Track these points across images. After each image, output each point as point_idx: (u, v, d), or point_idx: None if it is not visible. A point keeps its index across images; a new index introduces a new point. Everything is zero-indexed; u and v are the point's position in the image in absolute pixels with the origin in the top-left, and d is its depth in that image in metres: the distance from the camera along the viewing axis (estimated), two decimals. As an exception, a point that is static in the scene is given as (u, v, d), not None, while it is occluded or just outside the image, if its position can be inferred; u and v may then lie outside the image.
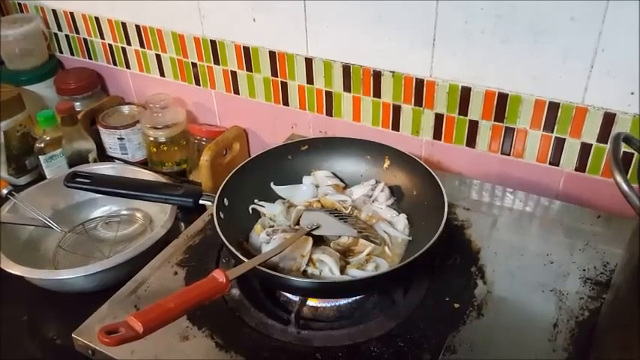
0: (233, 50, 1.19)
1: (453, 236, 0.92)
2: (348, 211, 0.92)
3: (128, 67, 1.38)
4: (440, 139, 1.07)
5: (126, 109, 1.36)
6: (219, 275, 0.68)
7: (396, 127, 1.10)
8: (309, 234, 0.85)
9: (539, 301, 0.81)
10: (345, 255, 0.85)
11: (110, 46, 1.37)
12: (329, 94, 1.14)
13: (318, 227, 0.86)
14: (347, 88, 1.11)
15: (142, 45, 1.31)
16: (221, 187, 0.90)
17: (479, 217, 0.96)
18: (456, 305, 0.81)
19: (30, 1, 1.43)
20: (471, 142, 1.04)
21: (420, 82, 1.02)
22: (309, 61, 1.11)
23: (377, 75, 1.06)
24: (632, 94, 0.87)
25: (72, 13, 1.38)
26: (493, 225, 0.95)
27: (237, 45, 1.18)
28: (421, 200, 0.92)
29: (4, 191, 1.08)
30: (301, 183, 0.99)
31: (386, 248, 0.87)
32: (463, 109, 1.01)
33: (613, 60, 0.86)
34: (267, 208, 0.94)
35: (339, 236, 0.87)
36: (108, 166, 1.18)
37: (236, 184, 0.92)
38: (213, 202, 0.87)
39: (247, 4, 1.11)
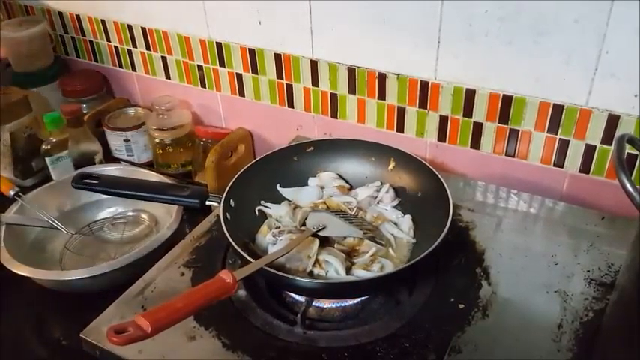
0: (238, 52, 1.19)
1: (458, 237, 0.93)
2: (353, 213, 0.93)
3: (134, 69, 1.39)
4: (444, 141, 1.08)
5: (132, 111, 1.37)
6: (226, 276, 0.68)
7: (400, 128, 1.10)
8: (315, 235, 0.85)
9: (543, 302, 0.82)
10: (349, 255, 0.86)
11: (116, 48, 1.38)
12: (334, 96, 1.14)
13: (324, 228, 0.87)
14: (352, 90, 1.11)
15: (147, 47, 1.32)
16: (227, 189, 0.90)
17: (483, 219, 0.97)
18: (461, 306, 0.81)
19: (36, 2, 1.44)
20: (476, 143, 1.05)
21: (424, 84, 1.03)
22: (314, 64, 1.12)
23: (382, 77, 1.06)
24: (636, 96, 0.87)
25: (78, 16, 1.39)
26: (498, 226, 0.96)
27: (243, 47, 1.18)
28: (426, 201, 0.92)
29: (11, 193, 1.09)
30: (306, 184, 1.00)
31: (390, 249, 0.87)
32: (467, 111, 1.02)
33: (617, 62, 0.86)
34: (273, 210, 0.95)
35: (345, 237, 0.87)
36: (114, 167, 1.19)
37: (242, 185, 0.93)
38: (219, 203, 0.88)
39: (253, 6, 1.11)
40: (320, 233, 0.86)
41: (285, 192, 0.99)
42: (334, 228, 0.87)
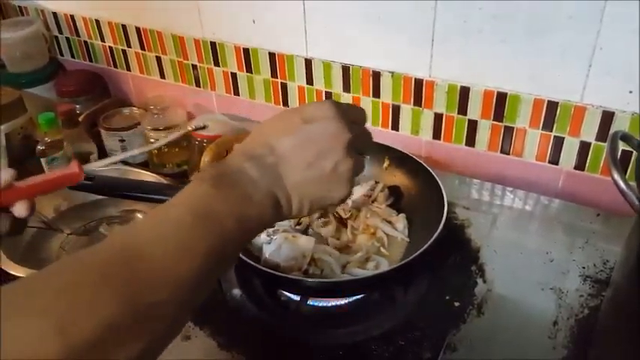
0: (233, 52, 1.19)
1: (453, 235, 0.93)
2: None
3: (129, 69, 1.39)
4: (439, 139, 1.07)
5: (127, 111, 1.36)
6: (74, 166, 0.70)
7: (395, 127, 1.10)
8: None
9: (539, 299, 0.82)
10: (341, 252, 0.86)
11: (111, 48, 1.38)
12: (329, 95, 1.14)
13: (204, 127, 0.87)
14: (346, 88, 1.11)
15: (142, 47, 1.32)
16: (222, 188, 0.90)
17: (479, 216, 0.97)
18: (456, 304, 0.81)
19: (30, 2, 1.44)
20: (471, 141, 1.05)
21: (419, 82, 1.03)
22: (308, 62, 1.12)
23: (376, 75, 1.06)
24: (631, 92, 0.87)
25: (72, 16, 1.39)
26: (493, 224, 0.96)
27: (237, 46, 1.18)
28: (421, 200, 0.92)
29: (6, 193, 1.08)
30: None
31: (382, 249, 0.87)
32: (462, 109, 1.02)
33: (611, 58, 0.86)
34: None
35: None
36: (109, 167, 1.18)
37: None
38: (214, 203, 0.87)
39: (247, 5, 1.11)
40: (200, 132, 0.87)
41: None
42: (214, 127, 0.88)
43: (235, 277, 0.87)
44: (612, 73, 0.87)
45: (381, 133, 1.12)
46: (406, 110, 1.07)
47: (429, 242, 0.77)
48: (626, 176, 0.57)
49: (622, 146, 0.65)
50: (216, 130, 0.86)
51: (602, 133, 0.93)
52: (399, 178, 0.97)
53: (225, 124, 0.87)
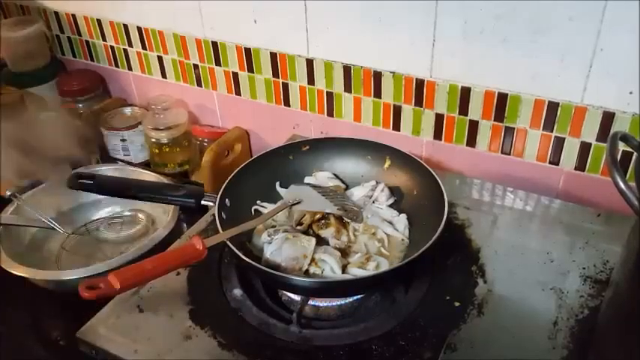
0: (234, 51, 1.19)
1: (454, 235, 0.93)
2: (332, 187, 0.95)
3: (130, 68, 1.39)
4: (440, 139, 1.08)
5: (128, 110, 1.37)
6: (197, 242, 0.69)
7: (396, 127, 1.10)
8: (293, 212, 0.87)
9: (539, 300, 0.82)
10: (344, 254, 0.86)
11: (112, 47, 1.38)
12: (330, 95, 1.14)
13: (299, 202, 0.89)
14: (348, 88, 1.11)
15: (143, 47, 1.32)
16: (223, 188, 0.90)
17: (479, 217, 0.97)
18: (457, 304, 0.81)
19: (32, 2, 1.44)
20: (471, 141, 1.05)
21: (420, 83, 1.03)
22: (310, 62, 1.12)
23: (377, 75, 1.06)
24: (631, 93, 0.87)
25: (74, 15, 1.39)
26: (493, 224, 0.96)
27: (239, 46, 1.18)
28: (422, 200, 0.92)
29: (8, 193, 1.09)
30: (303, 183, 1.00)
31: (382, 249, 0.88)
32: (463, 109, 1.02)
33: (612, 59, 0.86)
34: (269, 209, 0.95)
35: (326, 214, 0.90)
36: (110, 167, 1.19)
37: (238, 184, 0.93)
38: (215, 203, 0.88)
39: (248, 5, 1.11)
40: (294, 208, 0.89)
41: (283, 191, 0.98)
42: (309, 202, 0.89)
43: (236, 277, 0.87)
44: (613, 74, 0.87)
45: (382, 134, 1.12)
46: (407, 110, 1.07)
47: (430, 242, 0.77)
48: (627, 177, 0.57)
49: (622, 147, 0.65)
50: (312, 206, 0.91)
51: (603, 134, 0.93)
52: (399, 179, 0.97)
53: (318, 199, 0.91)
